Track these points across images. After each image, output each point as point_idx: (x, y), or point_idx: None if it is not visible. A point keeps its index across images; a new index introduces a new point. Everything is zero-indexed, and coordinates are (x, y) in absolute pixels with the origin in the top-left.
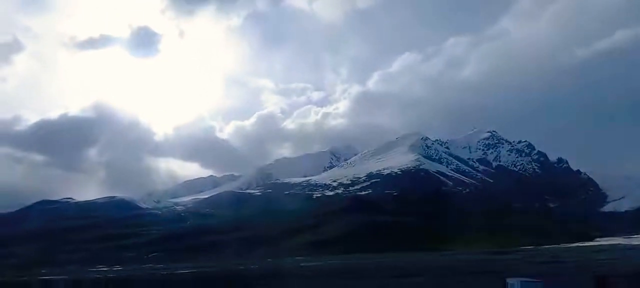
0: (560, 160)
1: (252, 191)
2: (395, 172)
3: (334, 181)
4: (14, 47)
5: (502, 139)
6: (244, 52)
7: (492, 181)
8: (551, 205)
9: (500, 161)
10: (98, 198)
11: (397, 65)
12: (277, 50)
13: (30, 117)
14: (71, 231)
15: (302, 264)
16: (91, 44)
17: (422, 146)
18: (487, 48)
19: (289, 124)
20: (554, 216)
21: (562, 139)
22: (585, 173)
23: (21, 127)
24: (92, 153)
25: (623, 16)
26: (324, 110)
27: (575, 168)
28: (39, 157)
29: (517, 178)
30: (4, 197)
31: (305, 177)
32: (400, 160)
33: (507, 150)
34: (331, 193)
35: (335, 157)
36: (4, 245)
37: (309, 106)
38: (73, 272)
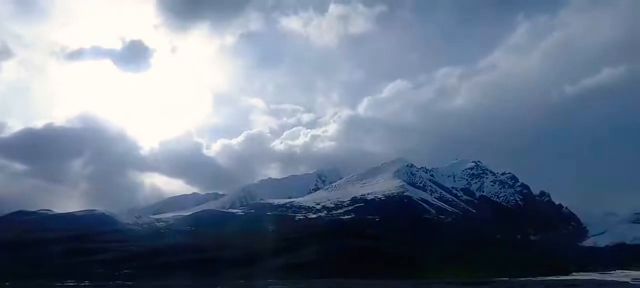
0: (542, 193)
1: (235, 210)
2: (379, 198)
3: (318, 204)
4: (3, 54)
5: (487, 170)
6: (235, 71)
7: (474, 211)
8: (532, 237)
9: (483, 191)
10: (77, 211)
11: (387, 91)
12: (269, 70)
13: (15, 125)
14: (45, 243)
15: (271, 287)
16: (82, 54)
17: (407, 173)
18: (477, 80)
19: (278, 145)
20: (534, 248)
21: (546, 173)
22: (567, 208)
23: (5, 134)
24: (76, 165)
25: (610, 55)
26: (313, 132)
27: (557, 202)
28: (20, 166)
29: (499, 210)
30: None
31: (289, 198)
32: (384, 186)
33: (491, 181)
34: (314, 216)
35: (321, 180)
36: None
37: (299, 128)
38: (39, 286)
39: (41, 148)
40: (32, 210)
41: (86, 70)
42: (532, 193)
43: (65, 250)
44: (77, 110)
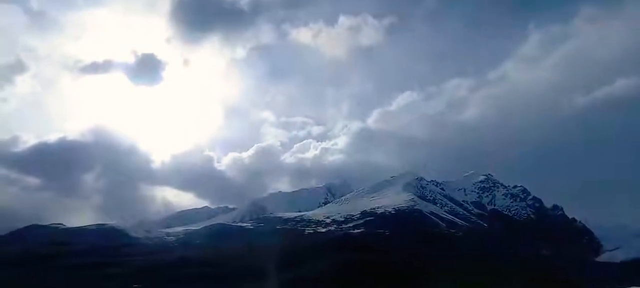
0: (555, 207)
1: (244, 224)
2: (389, 211)
3: (327, 217)
4: (17, 67)
5: (498, 183)
6: (246, 84)
7: (485, 225)
8: (544, 252)
9: (494, 205)
10: (88, 225)
11: (397, 103)
12: (279, 83)
13: (29, 139)
14: (56, 257)
15: None
16: (95, 68)
17: (417, 186)
18: (488, 91)
19: (288, 158)
20: (546, 263)
21: (559, 186)
22: (580, 222)
23: (19, 148)
24: (88, 178)
25: (624, 65)
26: (323, 145)
27: (570, 216)
28: (34, 180)
29: (510, 223)
30: None
31: (299, 212)
32: (394, 199)
33: (502, 194)
34: (323, 229)
35: (330, 193)
36: None
37: (309, 140)
38: None
39: (54, 162)
40: (45, 224)
41: (99, 83)
42: (544, 206)
43: (76, 264)
44: (90, 123)
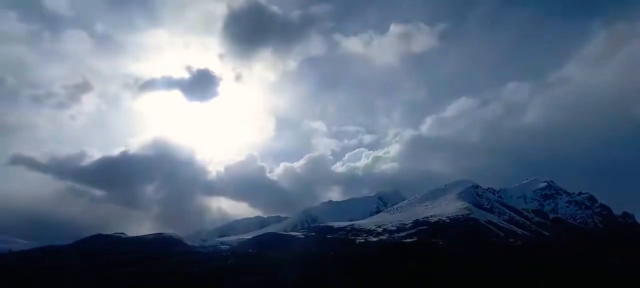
0: (626, 214)
1: (296, 233)
2: (443, 220)
3: (379, 227)
4: (84, 87)
5: (561, 190)
6: (298, 95)
7: (547, 234)
8: (614, 262)
9: (557, 213)
10: (147, 235)
11: (452, 109)
12: (331, 93)
13: (94, 154)
14: (117, 266)
15: None
16: (153, 85)
17: (473, 194)
18: (549, 94)
19: (339, 167)
20: (616, 275)
21: (628, 193)
22: None
23: (85, 162)
24: (149, 190)
25: None
26: (375, 153)
27: None
28: (99, 192)
29: (576, 232)
30: (63, 229)
31: (350, 221)
32: (448, 208)
33: (566, 202)
34: (375, 239)
35: (382, 202)
36: (56, 276)
37: (360, 149)
38: None
39: (117, 175)
40: (108, 233)
41: (157, 99)
42: (613, 214)
43: (134, 272)
44: (149, 137)
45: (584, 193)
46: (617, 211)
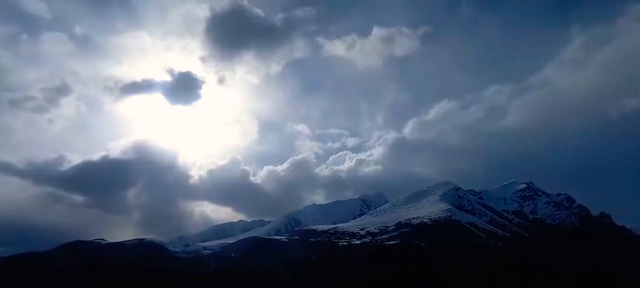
0: (603, 214)
1: (279, 237)
2: (425, 222)
3: (362, 229)
4: (62, 90)
5: (540, 191)
6: (281, 98)
7: (527, 235)
8: (592, 262)
9: (536, 214)
10: (128, 240)
11: (434, 112)
12: (314, 96)
13: (74, 158)
14: (94, 272)
15: None
16: (134, 88)
17: (454, 196)
18: (528, 97)
19: (323, 170)
20: (595, 275)
21: (606, 193)
22: (631, 230)
23: (64, 167)
24: (130, 195)
25: None
26: (358, 156)
27: (619, 224)
28: (79, 198)
29: (554, 233)
30: (42, 235)
31: (334, 224)
32: (430, 210)
33: (545, 203)
34: (358, 241)
35: (366, 205)
36: (35, 283)
37: (344, 152)
38: None
39: (98, 180)
40: (88, 239)
41: (138, 102)
42: (590, 215)
43: (114, 279)
44: (130, 141)
45: (563, 194)
46: (594, 212)
